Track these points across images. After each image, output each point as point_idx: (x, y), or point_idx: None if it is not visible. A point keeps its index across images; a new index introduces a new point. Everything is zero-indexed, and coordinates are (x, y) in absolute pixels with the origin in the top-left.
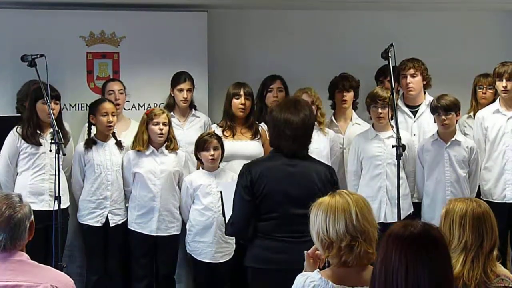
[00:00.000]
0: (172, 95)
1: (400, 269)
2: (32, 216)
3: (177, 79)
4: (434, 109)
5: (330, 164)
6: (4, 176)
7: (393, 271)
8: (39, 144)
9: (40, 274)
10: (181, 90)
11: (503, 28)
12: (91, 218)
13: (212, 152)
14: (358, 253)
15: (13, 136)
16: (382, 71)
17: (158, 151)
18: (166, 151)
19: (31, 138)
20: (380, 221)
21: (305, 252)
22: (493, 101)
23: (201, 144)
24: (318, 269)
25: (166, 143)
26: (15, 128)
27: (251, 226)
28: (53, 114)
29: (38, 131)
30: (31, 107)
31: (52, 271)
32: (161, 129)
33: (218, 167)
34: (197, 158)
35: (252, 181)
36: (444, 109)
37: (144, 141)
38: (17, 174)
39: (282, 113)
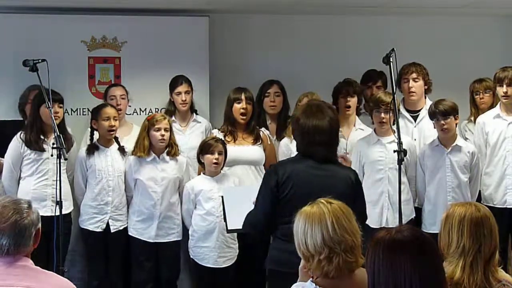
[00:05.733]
0: (172, 100)
1: (413, 276)
2: (40, 224)
3: (174, 83)
4: (432, 114)
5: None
6: (7, 180)
7: (405, 279)
8: (43, 150)
9: (43, 280)
10: (179, 93)
11: (502, 33)
12: (92, 223)
13: (216, 156)
14: (337, 264)
15: (16, 142)
16: (369, 76)
17: (159, 158)
18: (167, 158)
19: (35, 144)
20: (382, 226)
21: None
22: (493, 103)
23: (205, 148)
24: (311, 279)
25: (167, 148)
26: (18, 134)
27: (271, 227)
28: (58, 118)
29: (42, 137)
30: (34, 112)
31: (55, 277)
32: (162, 135)
33: (220, 172)
34: (200, 162)
35: (278, 182)
36: (442, 114)
37: (145, 147)
38: (20, 179)
39: (310, 120)
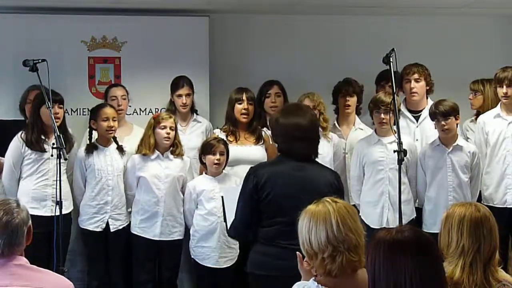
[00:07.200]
0: (172, 100)
1: (414, 276)
2: (30, 221)
3: (175, 85)
4: (433, 115)
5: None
6: (7, 181)
7: (406, 279)
8: (44, 151)
9: (40, 278)
10: (180, 96)
11: (502, 33)
12: (91, 223)
13: (218, 156)
14: (341, 262)
15: (17, 142)
16: (383, 75)
17: (163, 156)
18: (171, 156)
19: (36, 144)
20: (383, 226)
21: (298, 259)
22: (480, 107)
23: (207, 148)
24: (314, 278)
25: (171, 148)
26: (19, 134)
27: (252, 230)
28: (58, 118)
29: (43, 137)
30: (35, 113)
31: (52, 275)
32: (167, 133)
33: (222, 172)
34: (201, 162)
35: (258, 185)
36: (443, 115)
37: (151, 145)
38: (20, 178)
39: (290, 118)
